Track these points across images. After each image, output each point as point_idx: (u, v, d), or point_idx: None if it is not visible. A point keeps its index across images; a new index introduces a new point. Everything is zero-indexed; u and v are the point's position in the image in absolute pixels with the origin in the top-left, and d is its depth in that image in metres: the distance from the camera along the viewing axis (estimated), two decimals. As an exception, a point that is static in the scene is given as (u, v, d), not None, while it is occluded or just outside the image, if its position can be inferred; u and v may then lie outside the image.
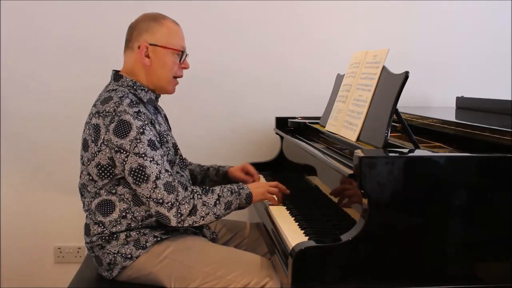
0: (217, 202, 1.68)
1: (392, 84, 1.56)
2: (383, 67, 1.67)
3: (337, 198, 1.71)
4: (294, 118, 2.43)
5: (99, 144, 1.66)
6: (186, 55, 1.83)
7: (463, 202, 1.38)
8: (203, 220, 1.66)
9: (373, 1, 2.62)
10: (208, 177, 2.12)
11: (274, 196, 1.84)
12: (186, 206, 1.63)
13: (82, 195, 1.80)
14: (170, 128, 1.97)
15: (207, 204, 1.66)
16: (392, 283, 1.37)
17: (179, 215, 1.62)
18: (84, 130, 1.75)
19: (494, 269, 1.41)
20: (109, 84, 1.80)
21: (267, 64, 2.63)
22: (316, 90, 2.61)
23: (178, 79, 1.85)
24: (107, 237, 1.71)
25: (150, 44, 1.76)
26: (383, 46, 1.75)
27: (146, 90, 1.79)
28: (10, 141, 2.59)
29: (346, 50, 2.41)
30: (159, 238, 1.72)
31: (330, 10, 2.62)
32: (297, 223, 1.66)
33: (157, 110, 1.88)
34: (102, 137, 1.65)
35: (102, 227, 1.71)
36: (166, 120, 1.98)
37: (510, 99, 2.06)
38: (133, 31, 1.79)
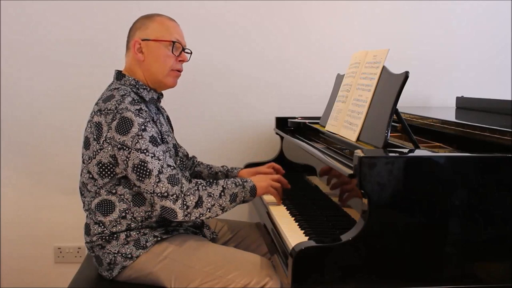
0: (222, 193, 1.66)
1: (392, 84, 1.56)
2: (383, 67, 1.67)
3: (336, 196, 1.71)
4: (294, 118, 2.43)
5: (101, 142, 1.66)
6: (183, 49, 1.82)
7: (463, 202, 1.38)
8: (209, 211, 1.64)
9: (373, 1, 2.62)
10: None
11: (276, 191, 1.83)
12: (192, 198, 1.61)
13: (82, 195, 1.80)
14: (172, 130, 1.97)
15: (212, 195, 1.65)
16: (392, 283, 1.37)
17: (185, 207, 1.61)
18: (85, 129, 1.75)
19: (494, 269, 1.41)
20: (112, 83, 1.81)
21: (267, 64, 2.62)
22: (316, 90, 2.61)
23: (180, 74, 1.84)
24: (107, 237, 1.71)
25: (142, 40, 1.76)
26: (383, 46, 1.75)
27: (148, 89, 1.79)
28: (10, 141, 2.59)
29: (346, 50, 2.41)
30: (159, 238, 1.72)
31: (330, 10, 2.62)
32: (297, 223, 1.66)
33: (159, 110, 1.88)
34: (104, 135, 1.65)
35: (102, 226, 1.71)
36: (169, 121, 1.98)
37: (510, 99, 2.06)
38: (130, 32, 1.82)
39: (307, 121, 2.31)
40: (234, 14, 2.58)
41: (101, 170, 1.68)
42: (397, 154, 1.40)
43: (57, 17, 2.53)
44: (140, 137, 1.62)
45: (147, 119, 1.66)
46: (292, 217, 1.73)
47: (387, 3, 2.63)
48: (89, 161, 1.70)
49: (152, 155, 1.62)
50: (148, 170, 1.60)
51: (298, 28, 2.62)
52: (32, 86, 2.56)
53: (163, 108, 1.96)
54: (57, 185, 2.62)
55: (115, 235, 1.71)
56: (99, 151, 1.67)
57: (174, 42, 1.78)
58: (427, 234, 1.38)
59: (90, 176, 1.71)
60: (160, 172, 1.61)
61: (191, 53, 1.88)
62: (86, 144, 1.72)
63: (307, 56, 2.63)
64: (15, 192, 2.63)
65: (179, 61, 1.81)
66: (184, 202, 1.61)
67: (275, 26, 2.61)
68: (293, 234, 1.55)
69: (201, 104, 2.64)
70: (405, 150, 1.46)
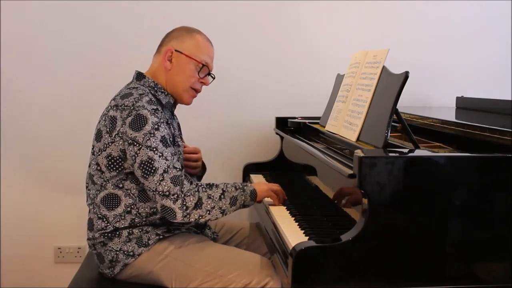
0: (222, 196, 1.67)
1: (392, 84, 1.56)
2: (383, 67, 1.67)
3: (339, 200, 1.71)
4: (294, 118, 2.43)
5: (113, 136, 1.67)
6: (208, 73, 1.85)
7: (463, 202, 1.38)
8: (209, 214, 1.64)
9: (373, 1, 2.62)
10: None
11: (277, 195, 1.84)
12: (192, 198, 1.62)
13: (87, 187, 1.80)
14: (182, 138, 1.98)
15: (212, 197, 1.65)
16: (392, 283, 1.37)
17: (184, 208, 1.61)
18: (99, 121, 1.76)
19: (494, 269, 1.41)
20: (131, 82, 1.83)
21: (267, 64, 2.62)
22: (316, 90, 2.61)
23: (197, 95, 1.87)
24: (109, 234, 1.72)
25: (176, 50, 1.79)
26: (383, 46, 1.75)
27: (166, 94, 1.81)
28: (10, 141, 2.59)
29: (346, 50, 2.41)
30: (161, 236, 1.72)
31: (330, 10, 2.62)
32: (297, 223, 1.66)
33: (173, 116, 1.90)
34: (118, 129, 1.67)
35: (106, 221, 1.72)
36: (179, 128, 1.99)
37: (510, 99, 2.06)
38: (166, 38, 1.85)
39: (307, 121, 2.31)
40: (234, 14, 2.58)
41: (110, 163, 1.69)
42: (397, 154, 1.41)
43: (57, 17, 2.52)
44: (152, 135, 1.63)
45: (162, 120, 1.68)
46: (292, 217, 1.73)
47: (387, 3, 2.63)
48: (99, 153, 1.71)
49: (160, 154, 1.63)
50: (154, 168, 1.62)
51: (298, 28, 2.62)
52: (32, 86, 2.56)
53: (175, 115, 1.97)
54: (57, 185, 2.62)
55: (117, 232, 1.71)
56: (110, 144, 1.68)
57: (203, 65, 1.82)
58: (427, 234, 1.38)
59: (98, 168, 1.72)
60: (165, 172, 1.62)
61: (214, 78, 1.90)
62: (98, 136, 1.73)
63: (307, 56, 2.63)
64: (15, 192, 2.63)
65: (201, 82, 1.84)
66: (184, 203, 1.61)
67: (275, 26, 2.61)
68: (293, 234, 1.55)
69: (201, 104, 2.61)
70: (405, 150, 1.46)
